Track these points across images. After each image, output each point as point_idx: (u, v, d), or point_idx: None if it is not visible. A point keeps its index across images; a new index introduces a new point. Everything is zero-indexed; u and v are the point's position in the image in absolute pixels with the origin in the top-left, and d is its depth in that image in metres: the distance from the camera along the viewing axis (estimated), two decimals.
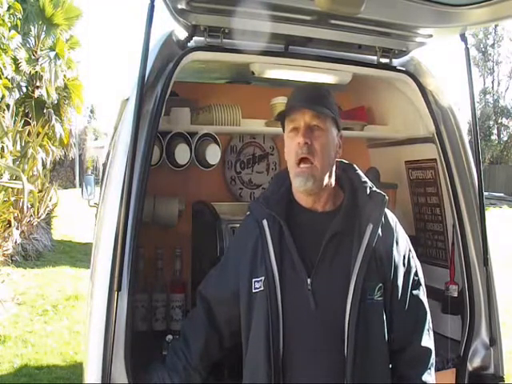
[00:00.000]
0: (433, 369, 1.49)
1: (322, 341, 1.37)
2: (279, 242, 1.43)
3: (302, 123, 1.41)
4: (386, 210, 1.48)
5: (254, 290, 1.42)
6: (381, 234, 1.42)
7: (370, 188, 1.49)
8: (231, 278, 1.52)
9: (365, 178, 1.52)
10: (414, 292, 1.48)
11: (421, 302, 1.49)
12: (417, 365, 1.47)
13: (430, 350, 1.49)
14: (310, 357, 1.36)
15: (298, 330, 1.38)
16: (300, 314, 1.38)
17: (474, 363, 2.00)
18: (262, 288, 1.41)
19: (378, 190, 1.49)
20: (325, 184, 1.44)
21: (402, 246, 1.49)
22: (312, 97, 1.44)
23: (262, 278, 1.41)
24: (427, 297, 1.53)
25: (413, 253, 1.53)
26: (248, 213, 1.57)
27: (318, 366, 1.35)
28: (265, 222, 1.46)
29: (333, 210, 1.46)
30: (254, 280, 1.43)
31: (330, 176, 1.45)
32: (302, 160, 1.40)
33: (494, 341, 2.02)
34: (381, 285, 1.40)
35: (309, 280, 1.37)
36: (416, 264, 1.52)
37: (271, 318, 1.37)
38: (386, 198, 1.47)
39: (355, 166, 1.56)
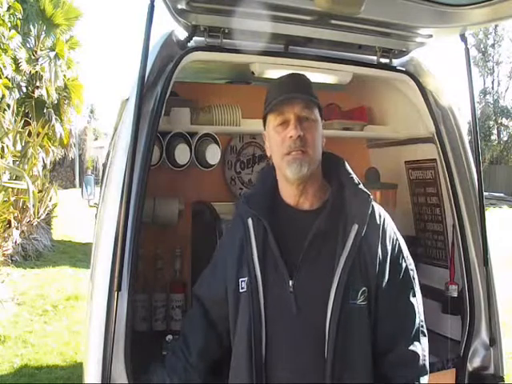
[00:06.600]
0: (423, 375, 1.37)
1: (303, 343, 1.34)
2: (263, 242, 1.39)
3: (291, 116, 1.35)
4: (376, 207, 1.42)
5: (240, 290, 1.40)
6: (366, 235, 1.35)
7: (357, 185, 1.43)
8: (221, 277, 1.50)
9: (352, 174, 1.46)
10: (402, 294, 1.39)
11: (410, 304, 1.39)
12: (400, 367, 1.36)
13: (417, 354, 1.36)
14: (291, 359, 1.34)
15: (280, 332, 1.35)
16: (282, 316, 1.35)
17: (474, 363, 2.00)
18: (245, 289, 1.38)
19: (364, 189, 1.43)
20: (315, 174, 1.40)
21: (390, 247, 1.39)
22: (296, 86, 1.39)
23: (246, 278, 1.39)
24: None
25: (404, 253, 1.43)
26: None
27: (298, 368, 1.33)
28: (249, 221, 1.42)
29: (318, 208, 1.41)
30: (240, 280, 1.40)
31: (318, 166, 1.41)
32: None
33: (493, 341, 2.02)
34: (364, 288, 1.33)
35: (291, 282, 1.34)
36: (407, 264, 1.41)
37: (253, 320, 1.35)
38: (371, 197, 1.41)
39: (344, 160, 1.50)
